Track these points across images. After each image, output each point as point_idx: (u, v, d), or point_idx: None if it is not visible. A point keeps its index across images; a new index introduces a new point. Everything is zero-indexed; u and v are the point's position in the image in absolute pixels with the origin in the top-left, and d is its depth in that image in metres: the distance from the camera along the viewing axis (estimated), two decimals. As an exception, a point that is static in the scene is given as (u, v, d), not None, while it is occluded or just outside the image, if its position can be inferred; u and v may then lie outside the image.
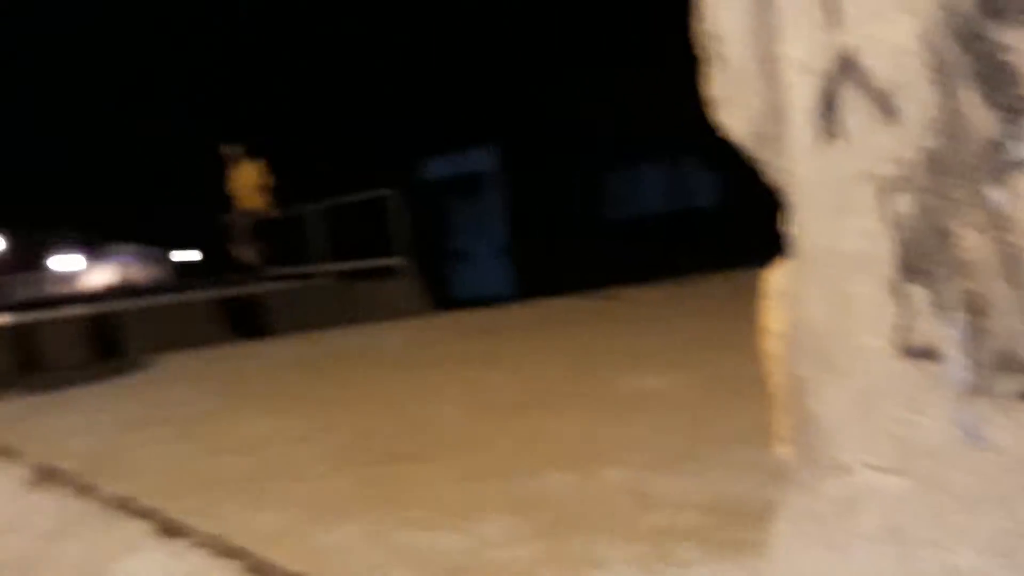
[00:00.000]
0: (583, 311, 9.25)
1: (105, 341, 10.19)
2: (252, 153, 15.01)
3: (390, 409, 4.75)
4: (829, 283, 1.54)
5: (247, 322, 11.05)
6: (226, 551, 2.73)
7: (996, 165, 1.32)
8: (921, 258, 1.39)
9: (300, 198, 15.06)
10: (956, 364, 1.37)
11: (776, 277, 1.74)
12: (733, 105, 1.77)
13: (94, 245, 45.75)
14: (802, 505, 1.62)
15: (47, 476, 3.98)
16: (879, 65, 1.43)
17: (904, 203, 1.41)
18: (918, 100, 1.38)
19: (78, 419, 5.35)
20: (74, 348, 9.95)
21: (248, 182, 14.82)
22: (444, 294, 17.13)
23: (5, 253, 44.42)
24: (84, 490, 3.64)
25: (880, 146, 1.43)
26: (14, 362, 9.27)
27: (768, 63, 1.63)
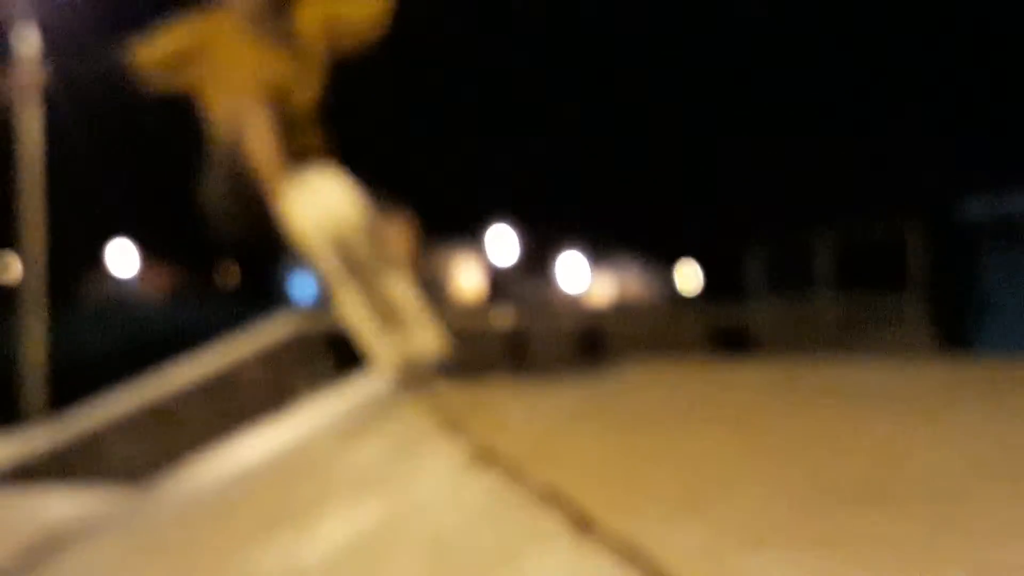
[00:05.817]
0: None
1: (589, 346, 10.66)
2: None
3: (853, 447, 4.21)
4: None
5: (735, 342, 10.95)
6: (636, 558, 2.47)
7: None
8: None
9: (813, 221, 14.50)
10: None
11: None
12: None
13: (599, 252, 46.05)
14: None
15: (484, 456, 3.97)
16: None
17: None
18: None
19: (527, 404, 5.39)
20: (557, 350, 10.52)
21: None
22: (959, 340, 15.72)
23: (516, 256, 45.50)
24: (514, 474, 3.56)
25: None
26: (506, 355, 10.17)
27: None
